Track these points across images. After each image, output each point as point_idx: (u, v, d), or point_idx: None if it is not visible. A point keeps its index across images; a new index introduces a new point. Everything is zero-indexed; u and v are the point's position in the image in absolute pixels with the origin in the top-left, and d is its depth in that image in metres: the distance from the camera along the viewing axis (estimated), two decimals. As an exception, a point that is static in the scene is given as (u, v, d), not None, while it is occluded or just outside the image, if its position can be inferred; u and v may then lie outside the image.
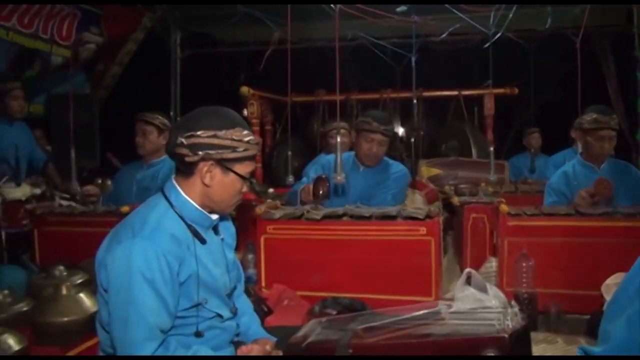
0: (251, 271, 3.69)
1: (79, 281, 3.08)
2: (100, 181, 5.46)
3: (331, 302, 3.16)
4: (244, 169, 2.03)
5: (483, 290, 2.27)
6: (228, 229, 2.26)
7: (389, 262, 3.36)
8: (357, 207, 3.45)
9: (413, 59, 5.24)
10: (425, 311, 2.13)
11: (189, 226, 2.01)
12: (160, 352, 1.86)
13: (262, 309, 3.00)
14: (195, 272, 1.97)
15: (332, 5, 3.93)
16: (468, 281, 2.35)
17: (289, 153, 4.52)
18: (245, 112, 5.92)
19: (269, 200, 3.94)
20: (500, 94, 6.68)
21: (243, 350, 2.09)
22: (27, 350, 2.43)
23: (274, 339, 2.21)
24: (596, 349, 1.59)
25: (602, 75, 7.40)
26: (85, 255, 3.30)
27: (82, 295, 2.76)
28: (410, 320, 2.08)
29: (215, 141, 1.95)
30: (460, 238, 4.30)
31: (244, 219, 3.70)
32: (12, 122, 5.02)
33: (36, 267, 3.84)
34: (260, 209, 3.51)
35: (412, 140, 7.17)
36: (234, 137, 1.97)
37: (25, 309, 2.81)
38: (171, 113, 7.06)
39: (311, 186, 3.62)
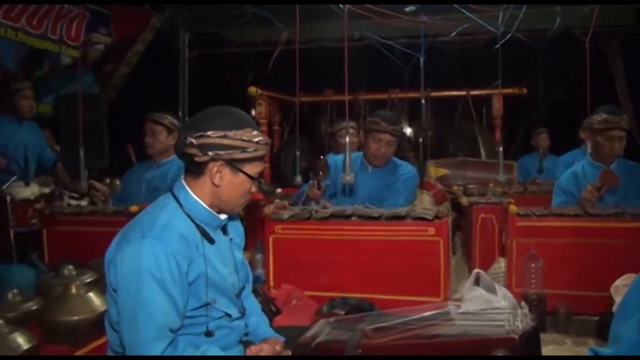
0: (259, 271, 3.69)
1: (88, 280, 3.08)
2: (108, 181, 5.48)
3: (339, 302, 3.15)
4: (253, 169, 2.03)
5: (492, 291, 2.26)
6: (237, 229, 2.26)
7: (397, 262, 3.35)
8: (366, 207, 3.45)
9: (421, 59, 5.24)
10: (435, 312, 2.12)
11: (197, 226, 2.01)
12: (169, 352, 1.86)
13: (271, 309, 3.00)
14: (204, 272, 1.98)
15: (340, 5, 3.93)
16: (477, 282, 2.35)
17: (297, 153, 4.52)
18: (253, 112, 5.92)
19: (277, 200, 3.94)
20: (508, 94, 6.65)
21: (253, 350, 2.09)
22: (36, 349, 2.44)
23: (283, 339, 2.21)
24: (607, 350, 1.58)
25: (610, 75, 7.37)
26: (93, 254, 3.31)
27: (91, 294, 2.77)
28: (420, 321, 2.07)
29: (226, 141, 1.95)
30: (469, 238, 4.28)
31: (252, 219, 3.71)
32: (22, 122, 5.05)
33: (45, 266, 3.85)
34: (268, 209, 3.51)
35: (420, 140, 7.16)
36: (244, 138, 1.97)
37: (34, 307, 2.82)
38: (179, 113, 7.08)
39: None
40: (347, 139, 3.62)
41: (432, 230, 3.32)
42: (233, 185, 2.01)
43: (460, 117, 7.37)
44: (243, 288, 2.25)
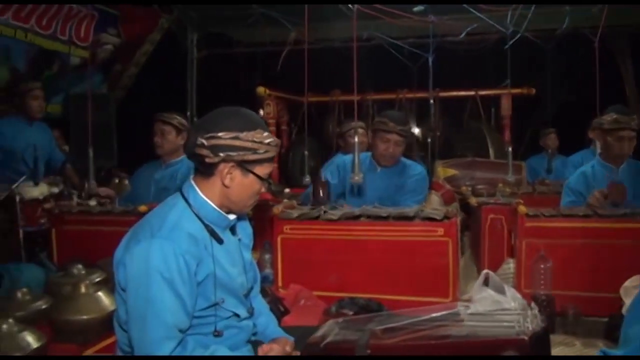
0: (268, 271, 3.69)
1: (97, 280, 3.10)
2: (117, 181, 5.51)
3: (348, 302, 3.15)
4: (264, 170, 2.03)
5: (501, 291, 2.26)
6: (245, 229, 2.26)
7: (406, 262, 3.35)
8: (375, 208, 3.44)
9: (430, 59, 5.23)
10: (444, 312, 2.11)
11: (206, 226, 2.01)
12: (178, 352, 1.86)
13: (279, 309, 3.00)
14: (213, 272, 1.97)
15: (349, 5, 3.93)
16: (486, 282, 2.34)
17: (306, 153, 4.52)
18: (261, 112, 5.93)
19: (285, 200, 3.94)
20: (517, 94, 6.63)
21: (264, 349, 2.09)
22: (45, 348, 2.45)
23: (292, 339, 2.21)
24: (617, 352, 1.57)
25: (619, 75, 7.33)
26: (102, 254, 3.32)
27: (100, 293, 2.79)
28: (429, 322, 2.06)
29: (237, 143, 1.95)
30: (478, 239, 4.28)
31: (260, 219, 3.71)
32: (32, 122, 5.07)
33: (54, 266, 3.87)
34: (277, 209, 3.52)
35: (429, 140, 7.15)
36: (255, 139, 1.97)
37: (43, 306, 2.84)
38: (187, 113, 7.08)
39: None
40: (356, 139, 3.61)
41: (441, 231, 3.31)
42: (243, 186, 2.01)
43: (468, 117, 7.36)
44: (251, 288, 2.25)
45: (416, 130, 7.61)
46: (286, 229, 3.52)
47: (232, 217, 2.10)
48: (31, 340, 2.40)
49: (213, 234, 2.02)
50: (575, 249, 3.37)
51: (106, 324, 2.50)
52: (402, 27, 5.92)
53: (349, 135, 5.19)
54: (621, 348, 1.57)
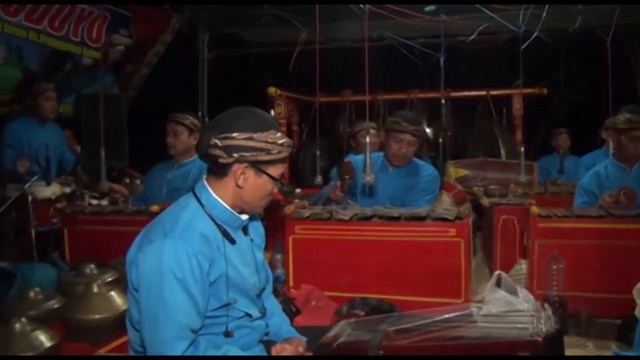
0: (279, 271, 3.69)
1: (110, 279, 3.12)
2: (128, 181, 5.53)
3: (359, 302, 3.14)
4: (276, 170, 2.03)
5: (513, 292, 2.24)
6: (257, 230, 2.26)
7: (418, 263, 3.34)
8: (386, 208, 3.44)
9: (441, 59, 5.22)
10: (457, 313, 2.10)
11: (219, 226, 2.01)
12: (190, 352, 1.86)
13: (291, 309, 3.00)
14: (225, 272, 1.97)
15: (360, 5, 3.92)
16: (498, 283, 2.33)
17: (317, 153, 4.52)
18: (272, 112, 5.94)
19: (296, 201, 3.94)
20: (528, 94, 6.60)
21: (277, 349, 2.10)
22: (58, 347, 2.47)
23: (305, 339, 2.20)
24: (631, 354, 1.56)
25: (632, 74, 7.28)
26: (114, 254, 3.34)
27: (112, 293, 2.80)
28: (442, 323, 2.05)
29: (251, 143, 1.94)
30: (490, 240, 4.26)
31: (272, 219, 3.71)
32: (45, 123, 5.10)
33: (66, 265, 3.88)
34: (289, 209, 3.52)
35: (440, 140, 7.13)
36: (269, 140, 1.97)
37: (56, 306, 2.86)
38: (199, 113, 7.09)
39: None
40: (368, 140, 3.61)
41: (453, 231, 3.30)
42: (256, 186, 2.01)
43: (480, 118, 7.34)
44: (264, 288, 2.25)
45: (427, 130, 7.59)
46: (297, 229, 3.52)
47: (244, 217, 2.10)
48: (44, 339, 2.42)
49: (225, 234, 2.02)
50: (588, 249, 3.34)
51: (118, 323, 2.51)
52: (414, 27, 5.91)
53: (360, 135, 5.18)
54: (636, 350, 1.56)
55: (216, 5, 6.61)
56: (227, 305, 2.00)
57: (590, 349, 2.96)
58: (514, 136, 6.74)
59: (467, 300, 3.17)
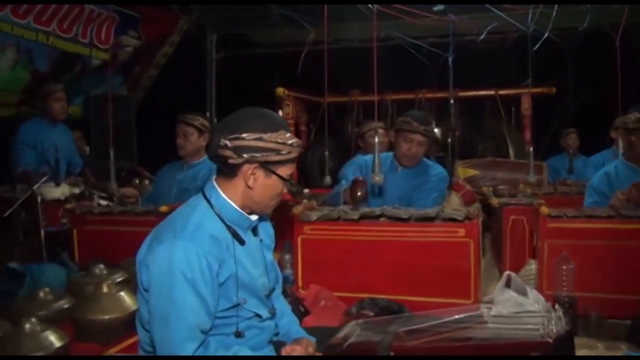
0: (288, 271, 3.68)
1: (120, 280, 3.12)
2: (137, 181, 5.54)
3: (368, 303, 3.13)
4: (286, 171, 2.03)
5: (523, 293, 2.23)
6: (267, 230, 2.26)
7: (427, 263, 3.32)
8: (395, 208, 3.43)
9: (450, 59, 5.20)
10: (467, 314, 2.09)
11: (228, 227, 2.02)
12: (200, 352, 1.87)
13: (300, 310, 3.00)
14: (235, 273, 1.98)
15: (369, 5, 3.91)
16: (507, 284, 2.32)
17: (326, 153, 4.51)
18: (280, 112, 5.94)
19: (305, 201, 3.94)
20: (537, 93, 6.58)
21: (287, 350, 2.10)
22: (68, 347, 2.47)
23: (314, 340, 2.20)
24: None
25: (640, 74, 7.24)
26: (123, 254, 3.34)
27: (122, 293, 2.80)
28: (452, 324, 2.05)
29: (261, 144, 1.95)
30: (499, 240, 4.24)
31: (281, 220, 3.70)
32: (55, 124, 5.13)
33: (75, 266, 3.89)
34: (297, 210, 3.51)
35: (449, 140, 7.11)
36: (279, 140, 1.97)
37: (66, 306, 2.86)
38: (207, 114, 7.11)
39: (348, 189, 3.61)
40: (377, 140, 3.60)
41: (462, 232, 3.28)
42: (266, 187, 2.01)
43: (488, 117, 7.32)
44: (273, 289, 2.25)
45: (436, 131, 7.57)
46: (306, 229, 3.51)
47: (253, 217, 2.11)
48: (54, 339, 2.42)
49: (235, 234, 2.02)
50: (598, 250, 3.32)
51: (128, 323, 2.51)
52: (422, 27, 5.90)
53: (369, 135, 5.17)
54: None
55: (224, 5, 6.63)
56: (236, 305, 2.00)
57: (600, 350, 2.94)
58: (523, 136, 6.72)
59: (476, 301, 3.15)
